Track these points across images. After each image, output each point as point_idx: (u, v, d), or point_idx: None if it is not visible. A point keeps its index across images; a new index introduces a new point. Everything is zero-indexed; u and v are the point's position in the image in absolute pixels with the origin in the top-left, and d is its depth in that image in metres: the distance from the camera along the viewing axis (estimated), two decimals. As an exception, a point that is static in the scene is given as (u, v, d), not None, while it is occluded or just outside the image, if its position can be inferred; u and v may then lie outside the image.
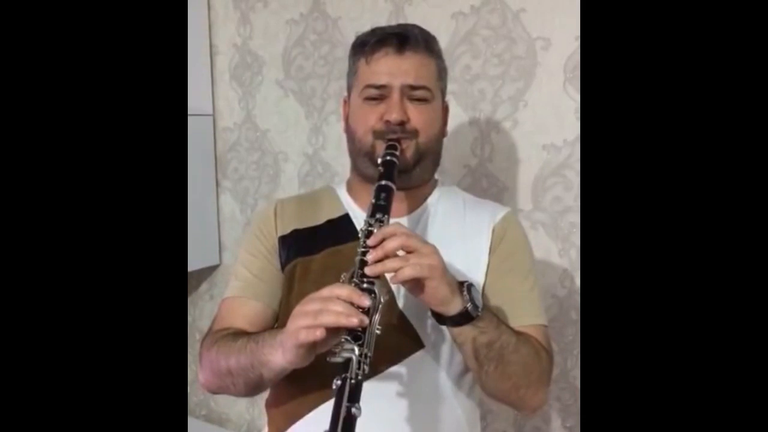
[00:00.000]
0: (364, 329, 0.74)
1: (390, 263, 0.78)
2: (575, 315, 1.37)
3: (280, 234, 1.02)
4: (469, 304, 0.82)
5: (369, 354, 0.74)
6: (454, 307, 0.82)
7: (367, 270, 0.78)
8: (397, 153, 0.92)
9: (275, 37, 1.66)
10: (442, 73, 0.99)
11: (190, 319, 1.94)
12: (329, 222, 1.02)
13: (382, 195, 0.87)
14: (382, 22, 1.47)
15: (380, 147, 0.94)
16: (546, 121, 1.33)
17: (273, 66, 1.68)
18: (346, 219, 1.02)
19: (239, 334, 0.92)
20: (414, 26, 0.98)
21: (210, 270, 1.88)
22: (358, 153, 0.98)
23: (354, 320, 0.73)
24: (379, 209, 0.86)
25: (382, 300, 0.78)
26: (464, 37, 1.38)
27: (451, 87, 1.39)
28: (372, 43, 0.95)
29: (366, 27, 1.04)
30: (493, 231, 0.98)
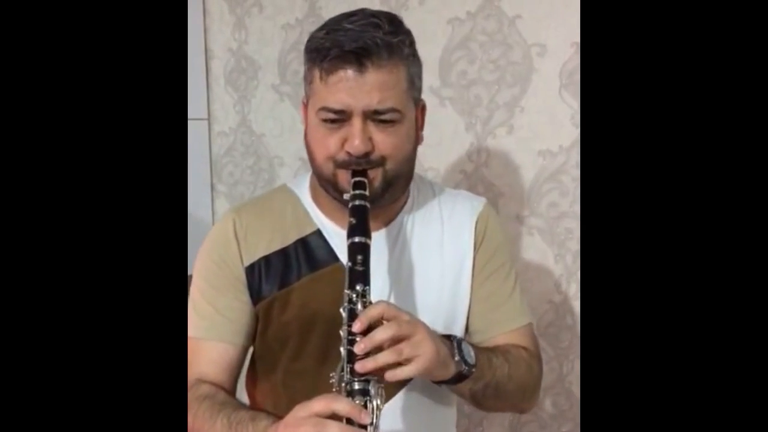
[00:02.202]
0: None
1: (382, 358, 0.72)
2: (571, 320, 1.37)
3: (246, 263, 0.92)
4: (464, 366, 0.80)
5: None
6: (449, 373, 0.80)
7: (358, 367, 0.71)
8: (367, 193, 0.82)
9: (271, 42, 1.65)
10: (414, 79, 0.85)
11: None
12: (300, 241, 0.93)
13: (359, 258, 0.77)
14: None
15: (343, 176, 0.84)
16: (542, 127, 1.33)
17: (268, 70, 1.67)
18: (318, 236, 0.93)
19: (215, 403, 0.85)
20: (379, 24, 0.81)
21: (204, 275, 1.87)
22: (320, 177, 0.88)
23: None
24: (359, 278, 0.76)
25: (379, 404, 0.72)
26: (460, 43, 1.38)
27: (447, 92, 1.40)
28: (328, 60, 0.80)
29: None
30: (475, 228, 0.95)
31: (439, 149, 1.42)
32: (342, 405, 0.69)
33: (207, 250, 0.95)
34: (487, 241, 0.96)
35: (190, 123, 1.70)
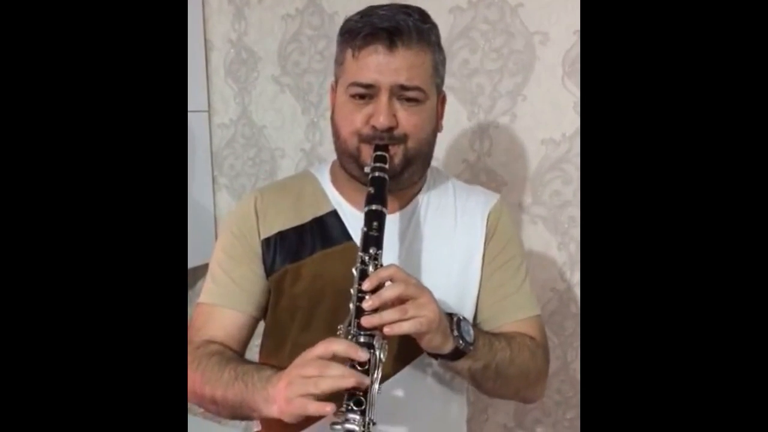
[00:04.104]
0: (365, 391, 0.72)
1: (387, 315, 0.75)
2: (575, 308, 1.38)
3: (263, 237, 0.96)
4: (461, 342, 0.82)
5: (373, 420, 0.73)
6: (447, 348, 0.82)
7: (363, 322, 0.75)
8: (387, 166, 0.86)
9: (271, 33, 1.65)
10: (438, 66, 0.91)
11: (187, 316, 1.94)
12: (316, 220, 0.97)
13: (374, 224, 0.81)
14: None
15: (366, 151, 0.89)
16: (544, 115, 1.33)
17: (269, 62, 1.67)
18: (333, 216, 0.97)
19: (223, 358, 0.88)
20: (410, 12, 0.88)
21: (206, 267, 1.85)
22: (343, 153, 0.92)
23: (352, 380, 0.71)
24: (373, 242, 0.80)
25: (382, 357, 0.75)
26: (462, 32, 1.38)
27: (449, 81, 1.38)
28: (360, 36, 0.86)
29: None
30: (487, 221, 0.99)
31: (441, 139, 1.39)
32: (339, 345, 0.74)
33: (229, 224, 1.01)
34: (498, 234, 0.99)
35: (190, 115, 1.69)
